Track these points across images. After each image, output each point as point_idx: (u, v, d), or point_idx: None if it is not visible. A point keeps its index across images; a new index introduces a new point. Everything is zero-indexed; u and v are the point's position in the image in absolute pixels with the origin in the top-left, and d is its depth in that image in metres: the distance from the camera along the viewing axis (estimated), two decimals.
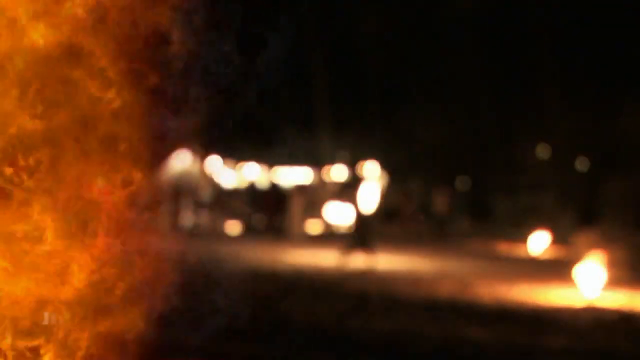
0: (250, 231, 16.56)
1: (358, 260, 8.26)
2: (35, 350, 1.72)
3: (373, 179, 18.74)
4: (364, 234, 8.69)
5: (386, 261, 8.77)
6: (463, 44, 27.97)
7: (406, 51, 28.19)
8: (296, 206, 14.04)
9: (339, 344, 3.58)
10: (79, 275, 1.61)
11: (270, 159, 21.46)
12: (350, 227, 9.68)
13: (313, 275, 6.93)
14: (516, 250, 12.74)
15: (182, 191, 17.24)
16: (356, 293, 5.74)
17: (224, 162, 19.45)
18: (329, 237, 13.76)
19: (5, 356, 1.60)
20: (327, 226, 14.17)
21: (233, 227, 17.41)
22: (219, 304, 1.99)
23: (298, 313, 4.54)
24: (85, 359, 1.72)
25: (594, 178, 23.11)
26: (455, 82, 30.40)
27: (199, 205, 17.04)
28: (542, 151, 29.03)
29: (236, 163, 19.90)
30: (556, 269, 8.92)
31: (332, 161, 21.18)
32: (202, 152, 19.82)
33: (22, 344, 1.71)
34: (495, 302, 5.44)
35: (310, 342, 3.59)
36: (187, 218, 17.53)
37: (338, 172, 20.43)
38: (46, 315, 3.48)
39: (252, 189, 18.25)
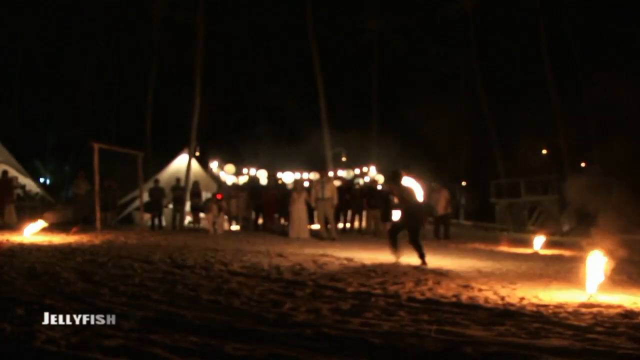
0: (250, 228, 16.57)
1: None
2: None
3: (374, 179, 18.76)
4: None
5: (387, 260, 8.82)
6: (463, 44, 28.00)
7: (406, 52, 28.22)
8: (297, 203, 14.03)
9: (340, 343, 3.58)
10: None
11: (270, 163, 21.52)
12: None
13: (313, 271, 6.94)
14: (517, 249, 12.77)
15: (183, 190, 17.27)
16: (356, 291, 5.74)
17: (225, 167, 19.48)
18: (329, 234, 13.77)
19: None
20: (327, 223, 14.14)
21: (233, 224, 17.43)
22: None
23: (298, 312, 4.54)
24: None
25: (593, 174, 23.15)
26: (455, 82, 30.39)
27: (199, 203, 17.05)
28: (543, 152, 29.03)
29: (237, 168, 19.94)
30: (557, 267, 8.94)
31: (333, 165, 21.25)
32: (201, 154, 19.84)
33: None
34: (495, 301, 5.44)
35: (310, 341, 3.59)
36: (188, 216, 17.57)
37: (338, 175, 20.49)
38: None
39: (252, 186, 18.23)
